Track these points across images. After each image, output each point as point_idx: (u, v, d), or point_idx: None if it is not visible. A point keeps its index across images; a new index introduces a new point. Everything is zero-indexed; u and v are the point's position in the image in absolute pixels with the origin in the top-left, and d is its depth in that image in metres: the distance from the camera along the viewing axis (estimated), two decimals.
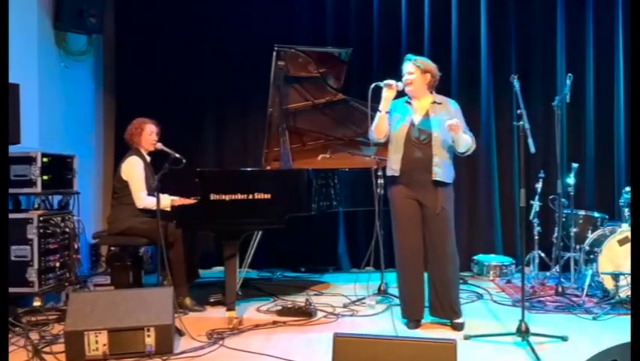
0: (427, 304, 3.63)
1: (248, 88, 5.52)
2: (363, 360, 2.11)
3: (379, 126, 3.53)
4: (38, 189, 4.00)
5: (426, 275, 3.61)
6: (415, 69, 3.54)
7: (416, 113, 3.55)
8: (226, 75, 5.60)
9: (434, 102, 3.57)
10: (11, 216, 3.81)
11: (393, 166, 3.52)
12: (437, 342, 2.16)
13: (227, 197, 3.55)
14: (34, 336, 3.31)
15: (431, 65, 3.57)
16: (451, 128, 3.36)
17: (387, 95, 3.49)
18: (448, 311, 3.55)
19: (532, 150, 3.20)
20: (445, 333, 3.47)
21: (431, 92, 3.60)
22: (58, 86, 5.00)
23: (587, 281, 4.18)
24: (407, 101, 3.60)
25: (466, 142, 3.49)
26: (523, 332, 3.19)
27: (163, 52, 5.58)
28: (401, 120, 3.54)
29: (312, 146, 4.86)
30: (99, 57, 5.67)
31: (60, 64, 5.05)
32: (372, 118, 3.60)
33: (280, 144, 4.29)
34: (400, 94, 3.59)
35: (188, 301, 3.99)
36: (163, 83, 5.55)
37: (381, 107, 3.50)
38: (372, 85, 3.49)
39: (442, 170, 3.46)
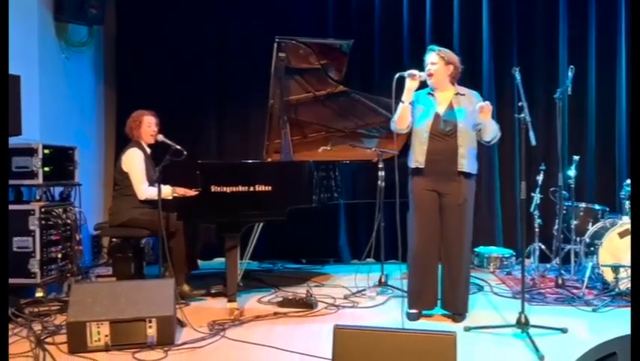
0: (439, 297, 3.61)
1: (249, 79, 5.50)
2: (364, 352, 2.12)
3: (402, 117, 3.49)
4: (40, 180, 4.00)
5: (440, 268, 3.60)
6: (439, 60, 3.51)
7: (440, 105, 3.52)
8: (227, 66, 5.59)
9: (457, 94, 3.54)
10: (13, 207, 3.83)
11: (418, 158, 3.49)
12: (437, 334, 2.16)
13: (228, 189, 3.55)
14: (36, 327, 3.33)
15: (454, 57, 3.55)
16: (482, 110, 3.33)
17: (410, 85, 3.44)
18: (459, 306, 3.55)
19: (533, 142, 3.20)
20: (445, 325, 3.48)
21: (453, 84, 3.57)
22: (59, 78, 4.99)
23: (587, 273, 4.19)
24: (429, 93, 3.56)
25: (493, 129, 3.47)
26: (523, 324, 3.20)
27: (164, 43, 5.56)
28: (425, 112, 3.50)
29: (313, 138, 4.85)
30: (100, 48, 5.66)
31: (61, 55, 5.04)
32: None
33: (281, 136, 4.29)
34: (422, 85, 3.54)
35: (186, 287, 4.02)
36: (164, 74, 5.53)
37: (403, 97, 3.45)
38: (397, 75, 3.42)
39: (467, 161, 3.45)
